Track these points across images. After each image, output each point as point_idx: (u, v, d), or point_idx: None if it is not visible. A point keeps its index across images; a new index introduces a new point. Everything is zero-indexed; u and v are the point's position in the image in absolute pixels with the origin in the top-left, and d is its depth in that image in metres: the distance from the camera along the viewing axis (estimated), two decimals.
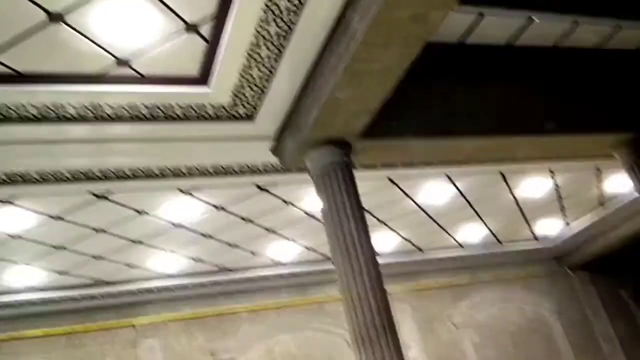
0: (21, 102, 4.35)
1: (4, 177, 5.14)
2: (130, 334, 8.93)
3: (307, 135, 5.16)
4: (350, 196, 5.10)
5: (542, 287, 12.04)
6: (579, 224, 11.06)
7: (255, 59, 4.50)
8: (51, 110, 4.49)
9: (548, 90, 6.35)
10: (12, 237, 6.34)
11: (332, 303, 10.43)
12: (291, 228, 8.13)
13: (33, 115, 4.52)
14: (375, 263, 4.90)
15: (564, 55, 6.34)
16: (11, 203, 5.65)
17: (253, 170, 6.17)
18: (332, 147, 5.25)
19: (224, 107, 5.03)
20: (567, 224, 10.94)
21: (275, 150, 5.68)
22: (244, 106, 5.08)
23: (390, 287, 10.67)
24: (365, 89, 4.62)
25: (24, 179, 5.26)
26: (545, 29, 5.88)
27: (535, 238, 11.40)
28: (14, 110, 4.39)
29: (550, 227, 10.94)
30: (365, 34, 3.95)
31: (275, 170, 6.26)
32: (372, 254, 4.93)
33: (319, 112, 4.84)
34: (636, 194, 9.71)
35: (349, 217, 4.98)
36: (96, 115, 4.71)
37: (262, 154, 5.79)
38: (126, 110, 4.74)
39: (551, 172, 8.09)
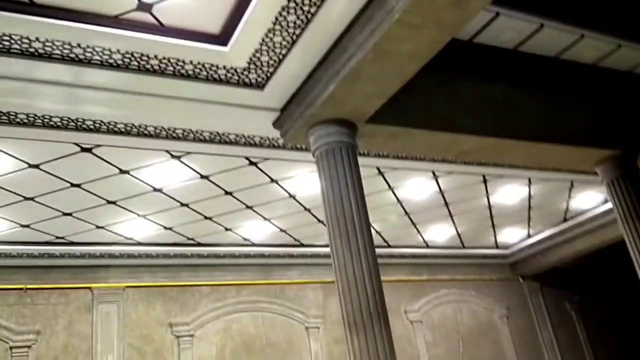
0: (37, 37, 4.03)
1: None
2: (86, 297, 8.62)
3: (316, 112, 5.04)
4: (354, 178, 5.03)
5: (494, 292, 12.44)
6: (538, 236, 11.46)
7: (281, 24, 4.34)
8: (62, 48, 4.19)
9: (545, 99, 6.50)
10: None
11: (294, 287, 10.45)
12: (270, 207, 8.00)
13: (47, 52, 4.21)
14: (373, 248, 4.86)
15: (563, 67, 6.50)
16: None
17: (249, 142, 6.00)
18: (340, 126, 5.16)
19: (236, 71, 4.84)
20: (529, 234, 11.30)
21: (277, 123, 5.54)
22: (257, 73, 4.90)
23: None
24: (388, 71, 4.56)
25: (10, 120, 4.91)
26: (552, 38, 5.99)
27: (496, 245, 11.73)
28: (25, 42, 4.06)
29: (512, 236, 11.29)
30: (403, 12, 3.87)
31: (270, 145, 6.11)
32: (370, 238, 4.88)
33: (334, 88, 4.73)
34: (596, 212, 10.21)
35: (350, 199, 4.92)
36: (102, 61, 4.43)
37: (263, 126, 5.63)
38: (136, 59, 4.48)
39: (529, 181, 8.30)
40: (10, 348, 7.86)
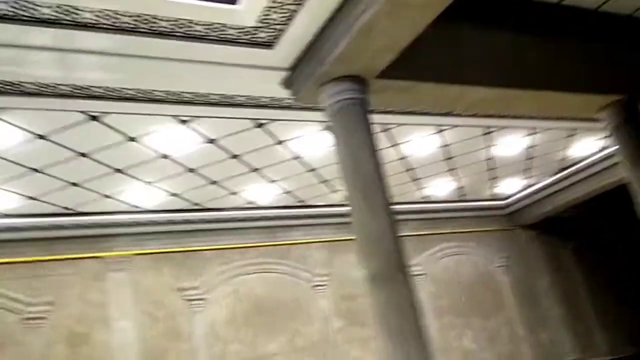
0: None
1: None
2: (96, 266, 8.66)
3: (327, 69, 4.99)
4: (369, 134, 5.03)
5: (493, 243, 12.70)
6: (536, 186, 11.64)
7: None
8: (69, 13, 4.09)
9: (549, 46, 6.48)
10: None
11: (299, 247, 10.58)
12: (275, 170, 8.01)
13: (44, 18, 4.10)
14: (391, 203, 4.92)
15: (565, 13, 6.46)
16: None
17: (257, 104, 5.96)
18: (351, 83, 5.13)
19: (246, 30, 4.77)
20: (527, 185, 11.47)
21: (287, 82, 5.49)
22: (267, 31, 4.83)
23: (353, 236, 11.02)
24: (402, 24, 4.51)
25: (17, 90, 4.82)
26: None
27: (495, 196, 11.90)
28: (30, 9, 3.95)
29: (510, 187, 11.45)
30: None
31: (279, 105, 6.08)
32: (388, 194, 4.93)
33: (347, 44, 4.68)
34: (593, 160, 10.38)
35: (366, 154, 4.93)
36: (111, 25, 4.34)
37: (272, 87, 5.57)
38: (145, 22, 4.38)
39: (530, 131, 8.37)
40: (24, 319, 7.93)
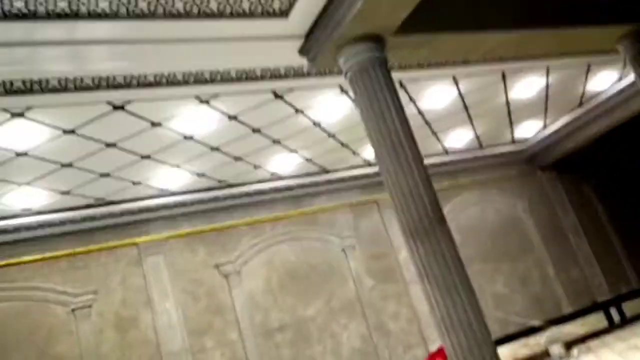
0: None
1: (20, 84, 4.74)
2: (133, 252, 8.88)
3: (344, 31, 4.99)
4: (391, 91, 5.07)
5: (514, 188, 12.75)
6: (554, 126, 11.59)
7: None
8: (85, 3, 4.12)
9: None
10: (19, 154, 5.97)
11: (325, 213, 10.72)
12: (296, 139, 8.07)
13: (60, 11, 4.14)
14: (421, 157, 4.98)
15: None
16: (22, 116, 5.27)
17: (274, 75, 5.98)
18: (369, 42, 5.13)
19: (260, 2, 4.77)
20: (545, 126, 11.42)
21: (304, 50, 5.50)
22: (281, 0, 4.83)
23: (376, 196, 11.15)
24: None
25: (42, 87, 4.89)
26: None
27: (513, 140, 11.88)
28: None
29: (528, 129, 11.42)
30: None
31: (296, 74, 6.09)
32: (417, 148, 4.99)
33: (363, 3, 4.67)
34: (611, 93, 10.29)
35: (392, 112, 4.98)
36: (129, 12, 4.36)
37: (289, 56, 5.59)
38: (161, 5, 4.40)
39: (547, 70, 8.30)
40: (72, 310, 8.21)
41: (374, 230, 10.99)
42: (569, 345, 10.90)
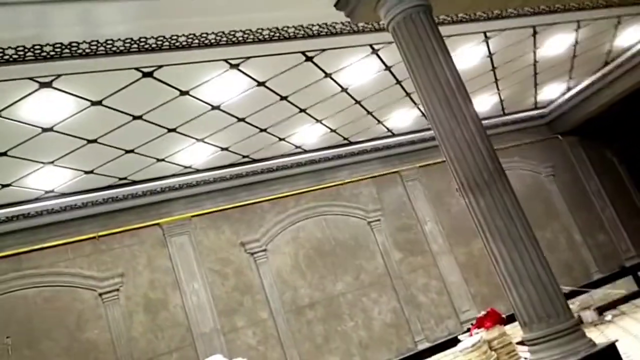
0: None
1: (50, 49, 4.48)
2: (157, 233, 8.66)
3: None
4: (439, 40, 4.81)
5: (537, 154, 12.49)
6: (578, 87, 11.31)
7: None
8: None
9: None
10: (45, 130, 5.71)
11: (348, 186, 10.49)
12: (321, 107, 7.80)
13: None
14: (475, 110, 4.73)
15: None
16: (50, 86, 5.00)
17: (307, 34, 5.72)
18: None
19: None
20: (568, 88, 11.15)
21: (341, 3, 5.23)
22: None
23: (399, 168, 10.91)
24: None
25: (72, 52, 4.63)
26: None
27: (535, 106, 11.62)
28: None
29: (552, 92, 11.14)
30: None
31: (328, 32, 5.85)
32: (469, 98, 4.74)
33: None
34: (637, 49, 9.99)
35: (441, 61, 4.72)
36: None
37: (324, 11, 5.35)
38: None
39: (578, 25, 8.01)
40: (100, 294, 8.00)
41: (398, 203, 10.76)
42: (601, 310, 10.73)
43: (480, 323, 6.18)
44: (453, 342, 10.00)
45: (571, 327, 4.10)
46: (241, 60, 5.81)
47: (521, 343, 7.74)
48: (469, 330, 6.68)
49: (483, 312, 6.38)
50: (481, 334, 5.88)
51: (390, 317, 9.77)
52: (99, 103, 5.60)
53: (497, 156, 4.64)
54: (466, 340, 5.95)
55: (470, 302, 10.43)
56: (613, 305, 11.16)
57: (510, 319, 8.63)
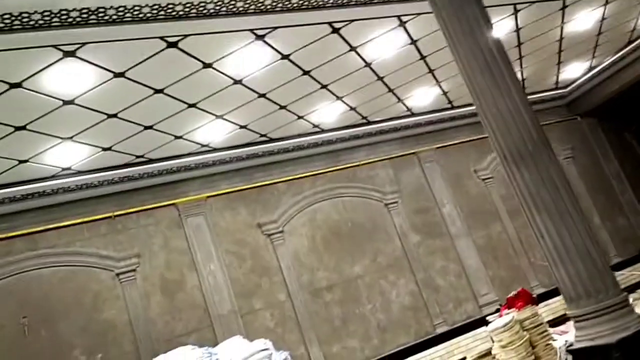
0: None
1: (76, 15, 4.28)
2: (173, 214, 8.50)
3: None
4: (480, 5, 4.60)
5: (556, 135, 12.22)
6: (600, 66, 11.07)
7: None
8: None
9: None
10: (66, 102, 5.52)
11: (364, 168, 10.30)
12: (343, 83, 7.60)
13: None
14: (517, 79, 4.53)
15: None
16: (74, 55, 4.80)
17: (337, 2, 5.53)
18: None
19: None
20: (590, 67, 10.91)
21: None
22: None
23: (417, 149, 10.73)
24: None
25: (98, 19, 4.43)
26: None
27: (556, 86, 11.39)
28: None
29: (574, 71, 10.91)
30: None
31: (359, 1, 5.65)
32: (512, 67, 4.54)
33: None
34: None
35: (482, 28, 4.51)
36: None
37: None
38: None
39: (606, 0, 7.78)
40: (117, 275, 7.86)
41: (416, 185, 10.58)
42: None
43: (511, 303, 6.03)
44: (472, 325, 9.90)
45: (621, 303, 3.94)
46: (267, 30, 5.61)
47: (553, 323, 7.61)
48: (498, 310, 6.54)
49: (514, 292, 6.23)
50: (513, 314, 5.73)
51: (409, 300, 9.63)
52: (122, 75, 5.40)
53: (542, 131, 4.44)
54: (497, 321, 5.80)
55: (488, 285, 10.28)
56: (633, 288, 11.00)
57: (540, 299, 8.54)
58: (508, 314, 5.92)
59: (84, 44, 4.68)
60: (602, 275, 3.98)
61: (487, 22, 4.56)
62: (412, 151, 10.71)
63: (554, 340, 5.95)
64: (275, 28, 5.61)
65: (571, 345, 3.94)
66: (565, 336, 7.10)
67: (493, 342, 6.00)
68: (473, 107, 10.74)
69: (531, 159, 4.24)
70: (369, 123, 9.71)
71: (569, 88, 11.76)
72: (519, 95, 4.40)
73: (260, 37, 5.70)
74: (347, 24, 6.06)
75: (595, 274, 3.97)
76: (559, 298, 10.73)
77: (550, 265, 4.19)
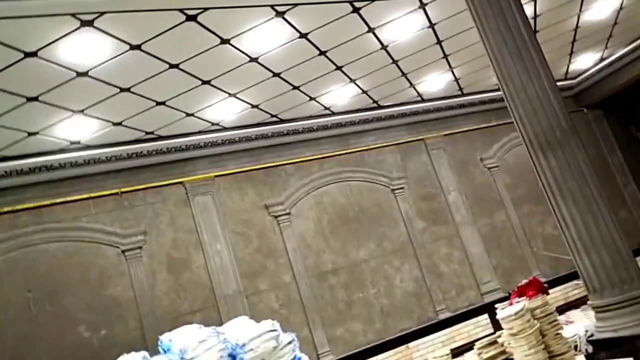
0: None
1: None
2: (180, 192, 8.41)
3: None
4: None
5: None
6: (610, 58, 10.99)
7: None
8: None
9: None
10: (80, 74, 5.40)
11: (372, 153, 10.23)
12: (358, 66, 7.51)
13: None
14: (547, 64, 4.45)
15: None
16: (91, 25, 4.68)
17: None
18: None
19: None
20: (602, 58, 10.83)
21: None
22: None
23: (424, 135, 10.67)
24: None
25: None
26: None
27: (566, 76, 11.31)
28: None
29: (585, 62, 10.83)
30: None
31: None
32: (541, 53, 4.46)
33: None
34: None
35: (513, 9, 4.42)
36: None
37: None
38: None
39: None
40: (123, 251, 7.79)
41: (422, 171, 10.53)
42: None
43: (522, 291, 6.01)
44: (474, 312, 9.94)
45: None
46: (288, 7, 5.50)
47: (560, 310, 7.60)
48: (508, 298, 6.52)
49: (525, 281, 6.20)
50: (524, 302, 5.70)
51: (412, 285, 9.63)
52: (138, 47, 5.28)
53: (570, 119, 4.38)
54: (508, 308, 5.77)
55: (491, 273, 10.30)
56: None
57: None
58: (519, 302, 5.90)
59: (102, 13, 4.55)
60: (627, 266, 3.95)
61: (518, 2, 4.47)
62: (420, 137, 10.64)
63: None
64: (297, 5, 5.49)
65: (592, 335, 3.91)
66: (572, 326, 7.12)
67: (501, 329, 6.00)
68: (483, 95, 10.69)
69: (559, 146, 4.19)
70: (379, 107, 9.63)
71: (577, 79, 11.69)
72: (548, 81, 4.33)
73: (280, 14, 5.59)
74: (368, 4, 5.95)
75: (620, 264, 3.94)
76: (560, 288, 10.84)
77: (573, 255, 4.16)
